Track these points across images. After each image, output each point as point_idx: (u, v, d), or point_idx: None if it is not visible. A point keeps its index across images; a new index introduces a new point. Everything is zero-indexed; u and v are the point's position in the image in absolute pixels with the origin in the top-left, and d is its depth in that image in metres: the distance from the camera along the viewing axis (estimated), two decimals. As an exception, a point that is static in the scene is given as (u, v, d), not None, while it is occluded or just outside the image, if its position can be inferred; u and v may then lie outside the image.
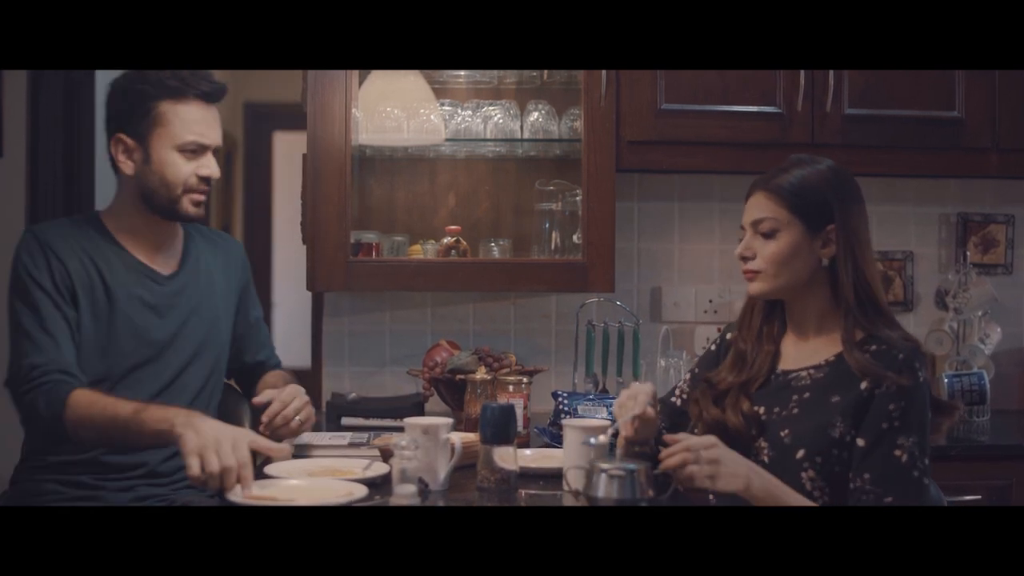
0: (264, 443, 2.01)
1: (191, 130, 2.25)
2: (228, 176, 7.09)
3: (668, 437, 1.88)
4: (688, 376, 2.23)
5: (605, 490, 1.79)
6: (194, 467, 1.89)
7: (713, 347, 2.20)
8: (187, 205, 2.28)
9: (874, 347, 1.93)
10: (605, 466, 1.80)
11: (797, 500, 1.87)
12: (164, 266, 2.36)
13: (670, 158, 2.90)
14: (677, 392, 2.22)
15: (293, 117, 3.33)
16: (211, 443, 1.90)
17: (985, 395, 2.95)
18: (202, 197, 2.31)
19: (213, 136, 2.29)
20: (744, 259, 2.02)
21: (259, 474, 2.08)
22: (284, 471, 2.13)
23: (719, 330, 2.31)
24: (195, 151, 2.27)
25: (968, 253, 3.20)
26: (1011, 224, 3.27)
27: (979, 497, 2.66)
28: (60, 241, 2.25)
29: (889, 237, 3.25)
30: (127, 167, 2.27)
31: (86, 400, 2.10)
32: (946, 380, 2.96)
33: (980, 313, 3.10)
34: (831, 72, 2.84)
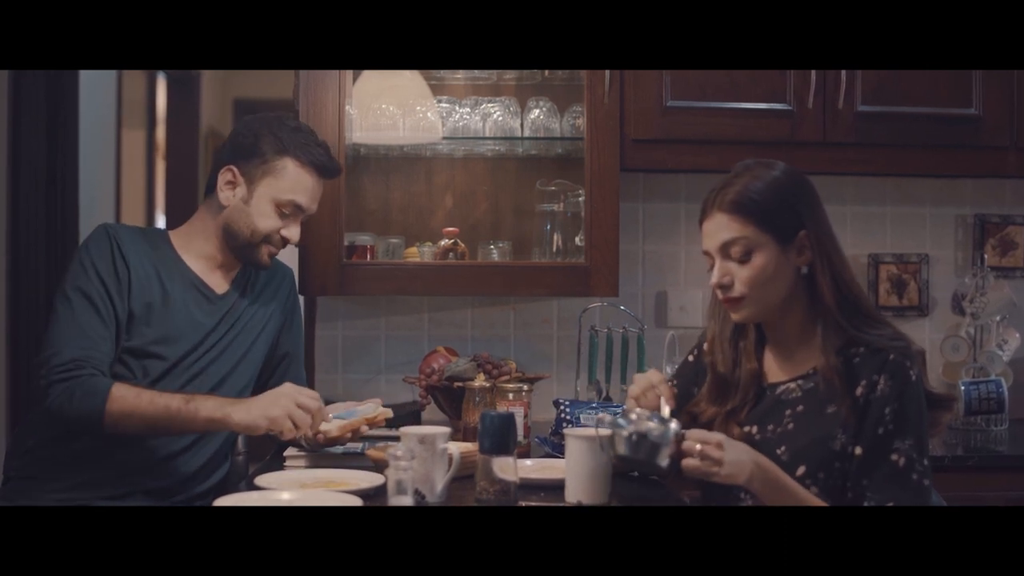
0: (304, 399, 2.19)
1: (297, 192, 2.39)
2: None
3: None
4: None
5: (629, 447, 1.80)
6: (288, 431, 2.15)
7: (691, 357, 2.15)
8: (262, 254, 2.41)
9: (861, 351, 1.88)
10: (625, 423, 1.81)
11: (804, 496, 1.83)
12: (218, 285, 2.45)
13: (676, 157, 2.89)
14: None
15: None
16: (283, 407, 2.13)
17: (1003, 403, 2.92)
18: (276, 252, 2.45)
19: (311, 206, 2.44)
20: (722, 287, 1.94)
21: (249, 485, 2.12)
22: (276, 483, 2.14)
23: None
24: (290, 212, 2.40)
25: (986, 256, 3.17)
26: (1030, 226, 3.26)
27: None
28: (129, 241, 2.34)
29: (904, 239, 3.25)
30: (227, 199, 2.38)
31: (131, 393, 2.18)
32: (963, 388, 2.93)
33: (998, 318, 3.08)
34: (843, 68, 2.85)
